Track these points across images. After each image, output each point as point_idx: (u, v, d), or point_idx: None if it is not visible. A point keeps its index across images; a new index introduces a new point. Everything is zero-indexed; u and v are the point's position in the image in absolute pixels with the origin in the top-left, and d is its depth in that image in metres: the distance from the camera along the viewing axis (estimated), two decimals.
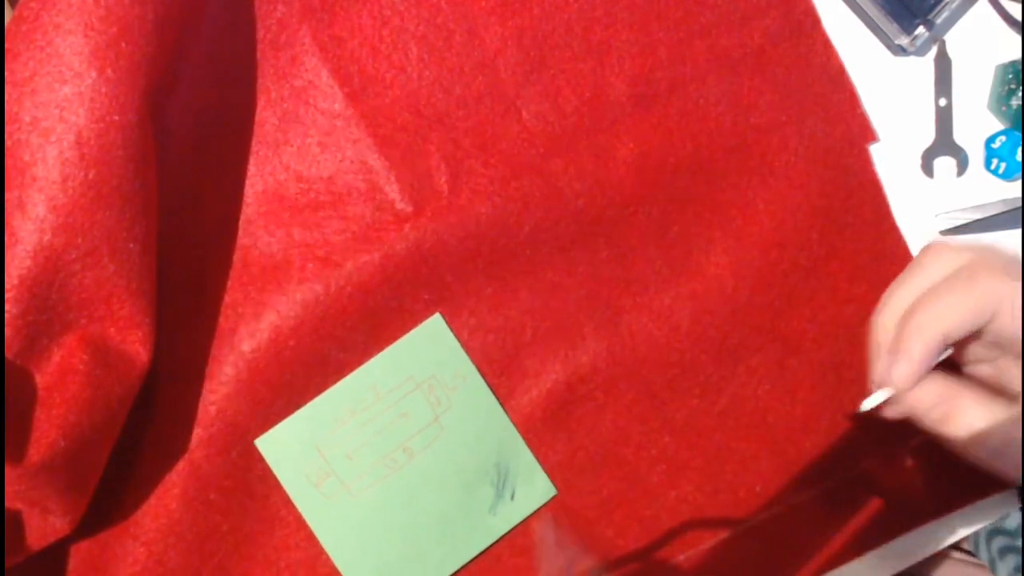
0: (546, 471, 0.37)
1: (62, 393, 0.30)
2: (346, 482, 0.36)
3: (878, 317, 0.32)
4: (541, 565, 0.37)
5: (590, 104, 0.37)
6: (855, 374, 0.37)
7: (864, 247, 0.37)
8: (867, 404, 0.32)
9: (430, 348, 0.36)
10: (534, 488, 0.37)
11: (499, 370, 0.37)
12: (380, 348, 0.36)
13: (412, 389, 0.36)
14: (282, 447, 0.36)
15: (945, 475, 0.37)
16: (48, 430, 0.30)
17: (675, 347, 0.37)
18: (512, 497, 0.37)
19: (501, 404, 0.37)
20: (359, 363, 0.36)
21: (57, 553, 0.35)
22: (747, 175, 0.37)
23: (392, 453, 0.36)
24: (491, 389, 0.37)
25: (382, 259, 0.36)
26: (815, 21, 0.36)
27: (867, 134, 0.37)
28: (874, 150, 0.37)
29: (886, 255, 0.37)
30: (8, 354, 0.30)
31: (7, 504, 0.30)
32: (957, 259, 0.30)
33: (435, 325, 0.36)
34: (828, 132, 0.37)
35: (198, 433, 0.35)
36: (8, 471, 0.29)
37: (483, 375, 0.37)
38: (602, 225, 0.37)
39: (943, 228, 0.37)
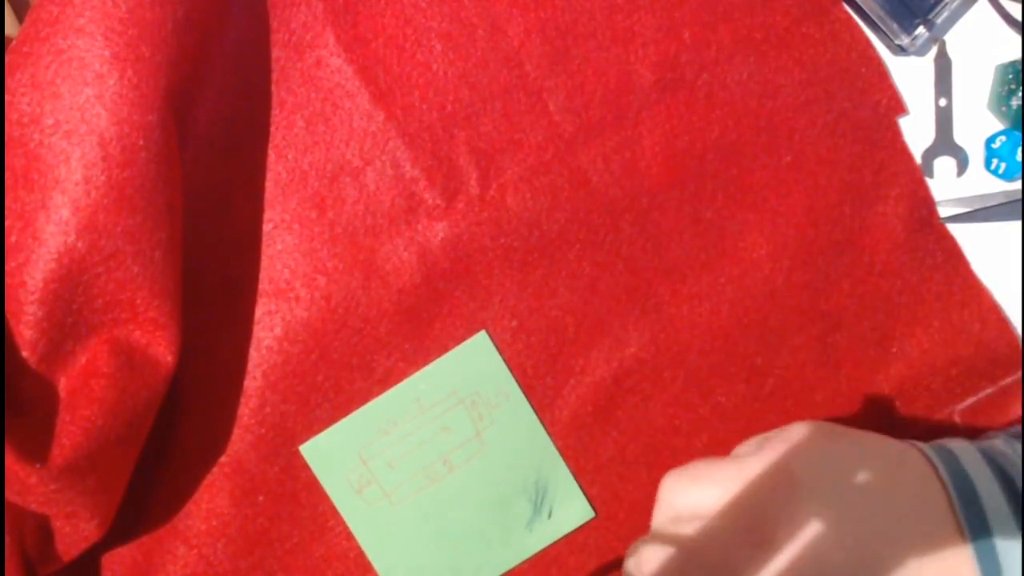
0: (599, 465, 0.35)
1: (87, 396, 0.28)
2: (387, 490, 0.34)
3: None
4: None
5: (616, 92, 0.34)
6: (899, 346, 0.35)
7: (898, 219, 0.35)
8: None
9: (475, 364, 0.34)
10: (572, 508, 0.35)
11: (544, 371, 0.35)
12: (424, 353, 0.34)
13: (455, 404, 0.34)
14: (326, 453, 0.34)
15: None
16: (72, 432, 0.28)
17: (718, 333, 0.35)
18: (549, 516, 0.35)
19: (543, 423, 0.35)
20: (405, 369, 0.34)
21: (99, 562, 0.33)
22: (777, 155, 0.35)
23: (433, 465, 0.34)
24: (531, 403, 0.35)
25: (419, 260, 0.34)
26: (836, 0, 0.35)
27: (897, 107, 0.35)
28: (904, 123, 0.35)
29: (922, 225, 0.35)
30: (33, 357, 0.28)
31: (33, 509, 0.28)
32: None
33: (480, 342, 0.34)
34: (857, 107, 0.34)
35: (239, 434, 0.33)
36: (31, 474, 0.27)
37: (528, 377, 0.35)
38: (634, 214, 0.35)
39: (943, 216, 0.36)
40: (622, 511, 0.35)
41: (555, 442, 0.35)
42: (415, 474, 0.34)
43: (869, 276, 0.35)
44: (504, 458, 0.35)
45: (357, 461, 0.34)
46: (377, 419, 0.34)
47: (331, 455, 0.34)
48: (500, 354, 0.35)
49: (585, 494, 0.35)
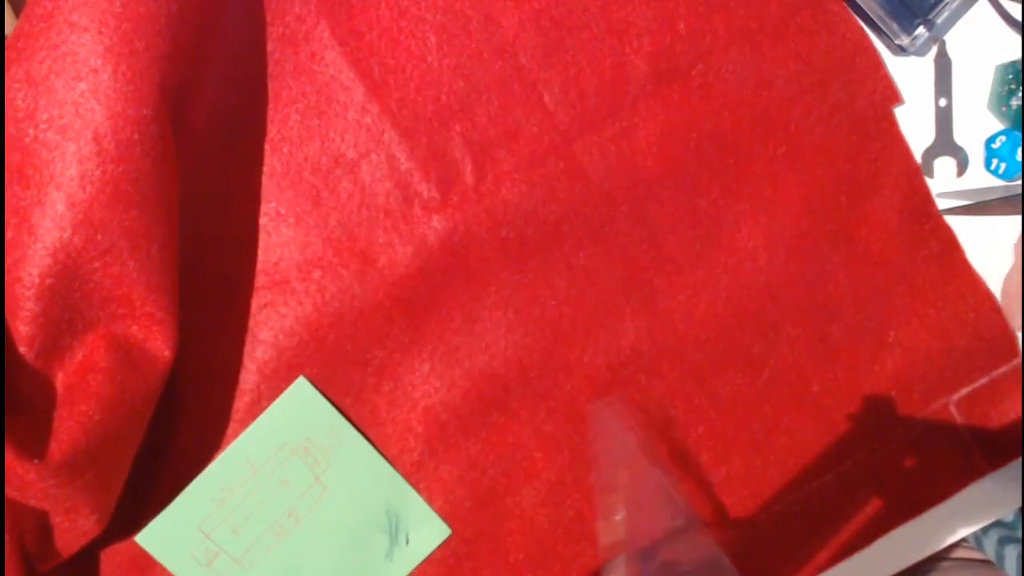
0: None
1: (84, 391, 0.28)
2: (237, 557, 0.33)
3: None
4: (595, 443, 0.34)
5: (611, 84, 0.34)
6: (895, 336, 0.35)
7: (893, 209, 0.35)
8: None
9: (299, 412, 0.33)
10: (428, 530, 0.34)
11: (540, 360, 0.35)
12: (418, 345, 0.34)
13: (288, 455, 0.33)
14: (164, 538, 0.33)
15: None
16: (71, 428, 0.28)
17: (714, 324, 0.35)
18: (407, 542, 0.34)
19: (382, 453, 0.34)
20: (400, 360, 0.34)
21: (98, 557, 0.33)
22: (772, 146, 0.35)
23: (279, 520, 0.34)
24: (366, 436, 0.34)
25: (414, 252, 0.34)
26: None
27: (892, 96, 0.35)
28: (899, 112, 0.35)
29: (917, 216, 0.35)
30: (30, 352, 0.28)
31: (32, 505, 0.28)
32: None
33: (301, 388, 0.33)
34: (852, 97, 0.34)
35: (235, 429, 0.33)
36: (30, 470, 0.27)
37: (525, 368, 0.34)
38: (630, 206, 0.35)
39: (942, 209, 0.36)
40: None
41: (398, 469, 0.34)
42: (263, 533, 0.34)
43: (865, 266, 0.35)
44: (349, 496, 0.34)
45: (198, 536, 0.33)
46: (210, 490, 0.33)
47: (169, 538, 0.33)
48: (323, 394, 0.33)
49: (438, 513, 0.34)
